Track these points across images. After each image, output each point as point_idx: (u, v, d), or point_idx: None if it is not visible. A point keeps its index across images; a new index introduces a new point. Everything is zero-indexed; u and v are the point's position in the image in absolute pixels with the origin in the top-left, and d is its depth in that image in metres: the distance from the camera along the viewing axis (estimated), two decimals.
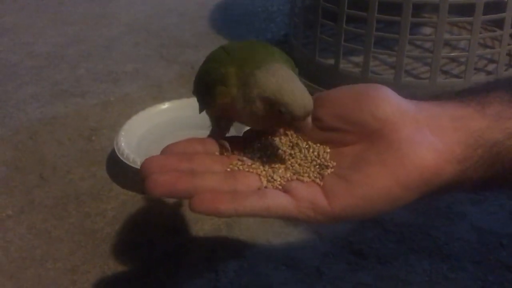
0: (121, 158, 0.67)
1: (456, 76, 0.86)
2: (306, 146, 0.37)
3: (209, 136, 0.40)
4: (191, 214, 0.63)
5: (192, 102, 0.77)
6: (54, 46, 1.09)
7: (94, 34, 1.15)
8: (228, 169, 0.37)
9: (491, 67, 0.88)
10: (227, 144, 0.38)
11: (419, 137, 0.33)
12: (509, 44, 0.84)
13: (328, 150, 0.36)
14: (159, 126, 0.75)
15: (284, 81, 0.34)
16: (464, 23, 0.95)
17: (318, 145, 0.37)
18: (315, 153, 0.37)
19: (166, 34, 1.14)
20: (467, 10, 0.79)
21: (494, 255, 0.57)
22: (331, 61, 0.86)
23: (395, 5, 0.79)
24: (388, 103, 0.35)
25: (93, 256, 0.58)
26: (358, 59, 0.86)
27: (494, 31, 0.94)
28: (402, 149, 0.33)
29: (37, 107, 0.87)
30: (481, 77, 0.85)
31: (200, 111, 0.41)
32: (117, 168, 0.70)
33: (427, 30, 0.99)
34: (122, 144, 0.69)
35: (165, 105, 0.78)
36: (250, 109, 0.36)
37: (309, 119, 0.35)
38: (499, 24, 0.83)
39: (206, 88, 0.38)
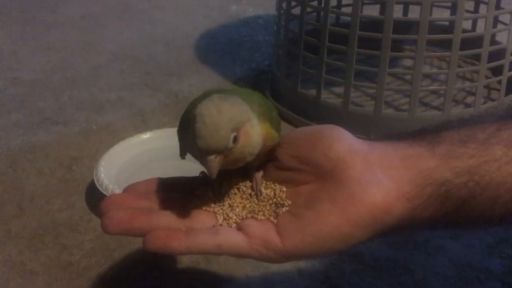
0: (100, 189, 0.67)
1: (436, 108, 0.87)
2: (264, 185, 0.38)
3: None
4: None
5: (173, 132, 0.77)
6: (38, 73, 1.09)
7: (80, 61, 1.15)
8: (187, 208, 0.37)
9: (470, 99, 0.90)
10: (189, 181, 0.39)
11: (369, 176, 0.34)
12: (487, 77, 0.86)
13: (284, 189, 0.37)
14: (140, 156, 0.75)
15: (199, 121, 0.33)
16: (443, 56, 0.97)
17: (276, 184, 0.38)
18: (272, 192, 0.37)
19: (152, 63, 1.15)
20: (447, 43, 0.81)
21: None
22: (313, 92, 0.87)
23: (375, 38, 0.80)
24: (340, 143, 0.36)
25: None
26: (339, 90, 0.88)
27: (473, 64, 0.97)
28: (352, 187, 0.34)
29: (18, 135, 0.87)
30: (459, 110, 0.87)
31: (181, 155, 0.41)
32: (96, 198, 0.70)
33: (408, 61, 1.01)
34: (102, 174, 0.68)
35: (147, 135, 0.78)
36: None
37: (212, 158, 0.33)
38: (478, 57, 0.85)
39: (183, 130, 0.39)
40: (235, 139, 0.34)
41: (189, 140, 0.35)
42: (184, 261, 0.61)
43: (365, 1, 0.81)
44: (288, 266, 0.60)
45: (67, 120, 0.92)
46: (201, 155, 0.34)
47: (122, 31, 1.33)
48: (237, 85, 1.04)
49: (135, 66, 1.13)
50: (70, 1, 1.53)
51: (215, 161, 0.34)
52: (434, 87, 0.93)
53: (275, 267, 0.60)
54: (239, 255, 0.35)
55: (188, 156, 0.41)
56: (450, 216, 0.35)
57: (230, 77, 1.08)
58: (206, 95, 0.37)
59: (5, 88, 1.03)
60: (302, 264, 0.60)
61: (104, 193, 0.66)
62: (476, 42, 0.83)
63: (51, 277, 0.59)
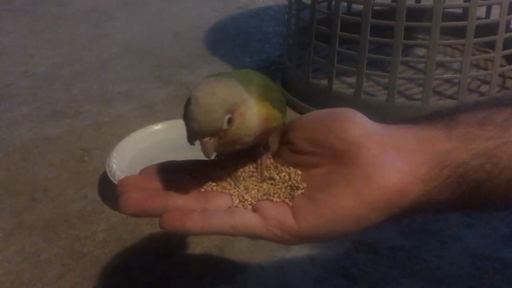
0: (112, 180, 0.67)
1: (449, 97, 0.86)
2: (279, 169, 0.38)
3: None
4: (182, 238, 0.63)
5: (183, 124, 0.78)
6: (49, 66, 1.10)
7: (89, 54, 1.15)
8: (202, 190, 0.37)
9: (484, 88, 0.89)
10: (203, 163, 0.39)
11: (384, 159, 0.34)
12: (501, 65, 0.85)
13: (299, 172, 0.37)
14: (151, 147, 0.75)
15: (197, 90, 0.33)
16: (457, 44, 0.95)
17: (290, 167, 0.38)
18: (287, 176, 0.37)
19: (161, 55, 1.15)
20: (460, 31, 0.80)
21: (487, 280, 0.56)
22: (325, 82, 0.86)
23: (387, 27, 0.79)
24: (355, 126, 0.36)
25: (82, 280, 0.57)
26: (351, 80, 0.87)
27: (487, 52, 0.95)
28: (367, 170, 0.34)
29: (30, 128, 0.87)
30: (474, 98, 0.85)
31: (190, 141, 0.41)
32: (108, 189, 0.70)
33: (421, 50, 1.00)
34: (114, 165, 0.68)
35: (158, 126, 0.78)
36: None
37: (207, 140, 0.33)
38: (492, 45, 0.83)
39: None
40: (230, 121, 0.33)
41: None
42: (197, 250, 0.61)
43: None
44: (301, 255, 0.60)
45: (78, 112, 0.92)
46: (194, 137, 0.34)
47: (131, 23, 1.33)
48: None
49: (145, 58, 1.13)
50: None
51: (210, 142, 0.33)
52: (447, 75, 0.91)
53: (288, 256, 0.60)
54: (254, 236, 0.35)
55: (197, 147, 0.41)
56: (466, 198, 0.35)
57: (241, 68, 1.07)
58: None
59: (17, 81, 1.03)
60: (315, 253, 0.60)
61: (117, 183, 0.66)
62: (490, 29, 0.82)
63: (65, 267, 0.59)
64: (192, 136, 0.34)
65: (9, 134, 0.86)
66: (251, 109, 0.35)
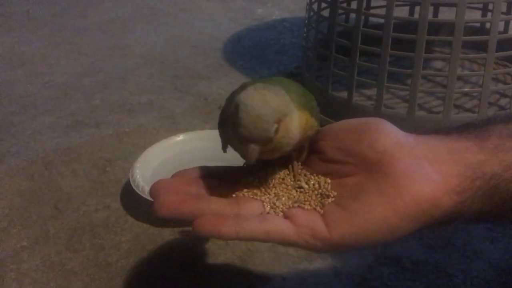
0: (136, 190, 0.67)
1: (469, 111, 0.86)
2: (309, 177, 0.39)
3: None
4: (205, 248, 0.63)
5: (206, 134, 0.79)
6: (70, 76, 1.11)
7: (110, 65, 1.17)
8: (234, 195, 0.38)
9: (503, 101, 0.88)
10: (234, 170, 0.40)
11: (416, 169, 0.34)
12: None
13: (329, 181, 0.38)
14: (174, 158, 0.76)
15: (248, 96, 0.34)
16: (476, 58, 0.96)
17: (320, 176, 0.38)
18: (316, 184, 0.38)
19: (180, 66, 1.16)
20: (478, 45, 0.80)
21: None
22: (344, 95, 0.87)
23: (404, 39, 0.80)
24: (387, 136, 0.36)
25: None
26: (371, 92, 0.87)
27: (506, 66, 0.95)
28: (399, 180, 0.34)
29: (52, 138, 0.88)
30: (493, 112, 0.85)
31: (224, 150, 0.42)
32: (131, 200, 0.71)
33: (438, 63, 1.00)
34: (137, 176, 0.69)
35: (180, 137, 0.79)
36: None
37: (253, 147, 0.34)
38: (511, 59, 0.83)
39: (227, 123, 0.38)
40: (276, 130, 0.34)
41: (228, 127, 0.36)
42: (219, 261, 0.61)
43: (396, 3, 0.80)
44: (324, 268, 0.60)
45: (99, 122, 0.93)
46: (240, 142, 0.34)
47: (149, 34, 1.35)
48: None
49: (164, 69, 1.15)
50: (99, 6, 1.56)
51: (255, 149, 0.34)
52: (468, 89, 0.92)
53: (310, 269, 0.60)
54: (286, 243, 0.36)
55: (222, 156, 0.42)
56: (498, 209, 0.35)
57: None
58: (244, 87, 0.37)
59: (38, 91, 1.05)
60: (338, 266, 0.60)
61: (141, 194, 0.66)
62: (509, 43, 0.82)
63: (90, 277, 0.60)
64: (242, 139, 0.34)
65: (32, 143, 0.87)
66: (295, 119, 0.35)
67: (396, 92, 0.91)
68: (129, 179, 0.70)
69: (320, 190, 0.38)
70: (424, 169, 0.35)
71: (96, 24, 1.42)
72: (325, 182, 0.38)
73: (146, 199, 0.66)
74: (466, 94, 0.91)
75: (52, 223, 0.69)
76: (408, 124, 0.81)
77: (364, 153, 0.36)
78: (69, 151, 0.84)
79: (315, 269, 0.60)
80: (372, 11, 0.99)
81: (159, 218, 0.65)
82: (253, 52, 1.23)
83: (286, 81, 0.39)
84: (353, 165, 0.37)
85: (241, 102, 0.34)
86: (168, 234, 0.66)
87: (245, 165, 0.41)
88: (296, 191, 0.38)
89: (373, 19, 0.91)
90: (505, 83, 0.94)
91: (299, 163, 0.40)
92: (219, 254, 0.62)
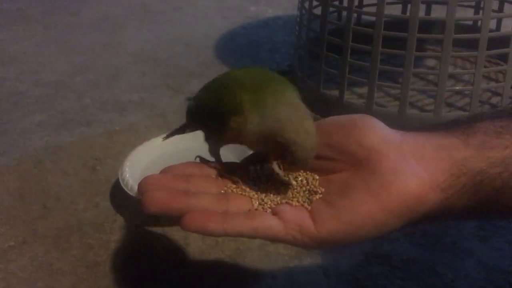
0: (125, 189, 0.67)
1: (461, 109, 0.86)
2: (297, 174, 0.39)
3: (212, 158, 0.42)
4: (195, 247, 0.63)
5: (197, 133, 0.78)
6: (61, 74, 1.11)
7: (101, 63, 1.16)
8: (222, 191, 0.38)
9: (495, 99, 0.89)
10: (223, 166, 0.40)
11: (403, 166, 0.35)
12: None
13: (317, 177, 0.38)
14: (164, 156, 0.75)
15: (300, 130, 0.35)
16: (468, 56, 0.95)
17: (307, 172, 0.39)
18: (304, 180, 0.38)
19: (172, 64, 1.15)
20: (471, 43, 0.80)
21: None
22: (336, 93, 0.86)
23: (397, 37, 0.79)
24: (374, 132, 0.36)
25: None
26: (362, 90, 0.87)
27: (498, 64, 0.95)
28: (386, 176, 0.34)
29: (42, 136, 0.88)
30: (485, 110, 0.85)
31: (207, 138, 0.42)
32: (121, 198, 0.70)
33: (430, 61, 1.00)
34: (127, 175, 0.69)
35: None
36: (261, 137, 0.37)
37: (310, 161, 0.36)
38: (503, 57, 0.83)
39: (217, 116, 0.38)
40: None
41: (215, 119, 0.38)
42: (210, 260, 0.61)
43: (389, 1, 0.80)
44: (314, 266, 0.60)
45: (90, 121, 0.92)
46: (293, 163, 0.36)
47: (142, 32, 1.34)
48: None
49: (156, 67, 1.14)
50: (91, 4, 1.55)
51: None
52: (459, 87, 0.92)
53: (300, 267, 0.60)
54: (273, 239, 0.36)
55: (210, 156, 0.42)
56: (483, 206, 0.35)
57: None
58: (231, 75, 0.39)
59: (29, 89, 1.04)
60: (328, 264, 0.60)
61: (130, 193, 0.66)
62: (501, 41, 0.82)
63: (78, 276, 0.59)
64: (300, 161, 0.36)
65: (22, 142, 0.86)
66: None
67: (388, 91, 0.91)
68: (118, 178, 0.70)
69: (308, 187, 0.38)
70: (410, 166, 0.35)
71: (88, 22, 1.41)
72: (313, 179, 0.38)
73: (135, 198, 0.65)
74: (458, 92, 0.91)
75: (40, 222, 0.68)
76: (399, 122, 0.81)
77: (351, 149, 0.36)
78: (58, 150, 0.84)
79: (305, 267, 0.60)
80: (364, 9, 0.99)
81: (149, 217, 0.66)
82: (245, 50, 1.22)
83: (285, 85, 0.39)
84: (341, 162, 0.37)
85: (302, 126, 0.35)
86: (157, 233, 0.65)
87: (240, 161, 0.41)
88: (284, 187, 0.38)
89: (366, 17, 0.91)
90: (497, 81, 0.94)
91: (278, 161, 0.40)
92: (209, 253, 0.62)
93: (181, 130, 0.47)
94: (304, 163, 0.36)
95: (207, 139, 0.42)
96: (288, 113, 0.36)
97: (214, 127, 0.40)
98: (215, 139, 0.41)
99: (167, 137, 0.49)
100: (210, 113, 0.40)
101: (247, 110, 0.37)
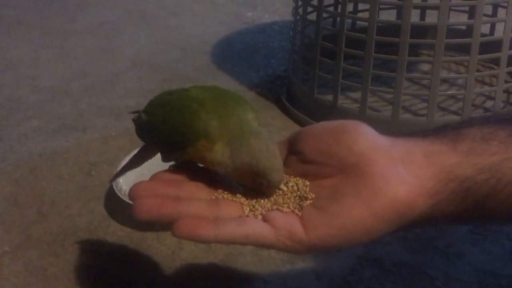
0: (119, 194, 0.67)
1: (454, 113, 0.86)
2: (288, 179, 0.39)
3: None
4: (188, 252, 0.63)
5: None
6: (58, 80, 1.11)
7: (98, 68, 1.17)
8: (213, 197, 0.38)
9: (489, 104, 0.89)
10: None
11: (392, 171, 0.35)
12: (506, 82, 0.85)
13: (308, 183, 0.38)
14: (159, 162, 0.75)
15: (270, 156, 0.37)
16: (462, 60, 0.96)
17: (298, 178, 0.39)
18: (295, 186, 0.38)
19: (169, 69, 1.16)
20: (464, 47, 0.81)
21: None
22: (330, 98, 0.87)
23: (391, 42, 0.80)
24: (365, 138, 0.36)
25: None
26: (356, 95, 0.87)
27: (492, 68, 0.96)
28: (375, 182, 0.35)
29: (38, 142, 0.88)
30: (479, 114, 0.86)
31: (167, 160, 0.42)
32: (115, 204, 0.70)
33: (425, 66, 1.00)
34: (121, 180, 0.69)
35: None
36: (230, 168, 0.38)
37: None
38: (496, 61, 0.84)
39: (180, 136, 0.39)
40: None
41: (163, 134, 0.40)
42: (202, 265, 0.61)
43: (381, 6, 0.81)
44: (306, 270, 0.60)
45: (86, 126, 0.93)
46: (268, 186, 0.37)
47: (139, 38, 1.35)
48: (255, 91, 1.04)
49: (153, 72, 1.15)
50: (88, 10, 1.55)
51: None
52: (452, 91, 0.92)
53: (293, 272, 0.60)
54: (264, 245, 0.36)
55: None
56: (471, 212, 0.36)
57: (247, 83, 1.08)
58: (189, 95, 0.39)
59: (26, 95, 1.05)
60: (320, 268, 0.60)
61: (124, 198, 0.66)
62: (495, 46, 0.83)
63: (72, 281, 0.60)
64: (274, 183, 0.37)
65: (18, 147, 0.87)
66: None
67: (382, 95, 0.91)
68: (112, 183, 0.70)
69: (298, 192, 0.38)
70: (399, 172, 0.35)
71: (85, 28, 1.42)
72: (304, 184, 0.38)
73: (129, 203, 0.65)
74: (451, 96, 0.91)
75: (35, 227, 0.69)
76: (393, 127, 0.81)
77: (342, 155, 0.36)
78: (54, 155, 0.84)
79: (297, 271, 0.60)
80: (359, 14, 1.00)
81: (142, 222, 0.66)
82: (242, 55, 1.23)
83: (245, 103, 0.40)
84: (331, 167, 0.37)
85: (270, 152, 0.37)
86: (151, 238, 0.66)
87: None
88: (276, 193, 0.39)
89: (360, 23, 0.92)
90: (491, 85, 0.94)
91: None
92: (201, 257, 0.62)
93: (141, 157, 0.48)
94: (278, 184, 0.37)
95: (163, 158, 0.42)
96: (258, 144, 0.37)
97: (173, 146, 0.40)
98: (172, 158, 0.42)
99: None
100: (170, 132, 0.40)
101: (215, 137, 0.37)
